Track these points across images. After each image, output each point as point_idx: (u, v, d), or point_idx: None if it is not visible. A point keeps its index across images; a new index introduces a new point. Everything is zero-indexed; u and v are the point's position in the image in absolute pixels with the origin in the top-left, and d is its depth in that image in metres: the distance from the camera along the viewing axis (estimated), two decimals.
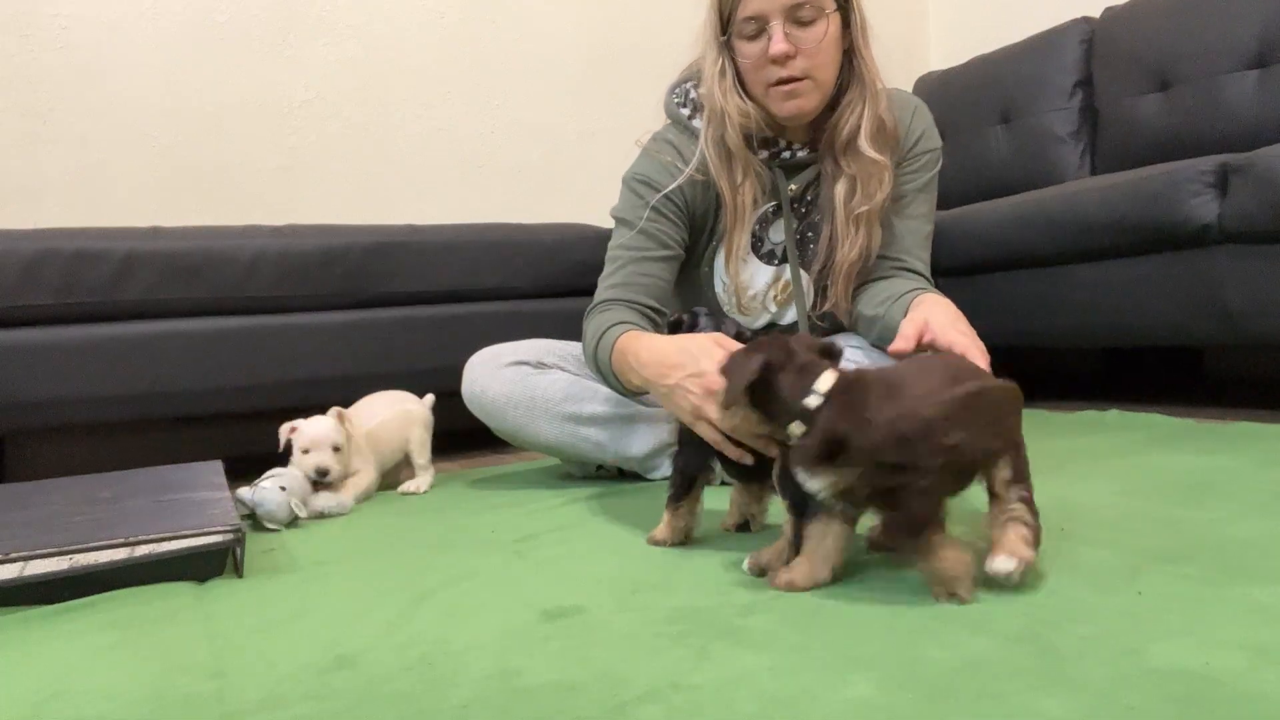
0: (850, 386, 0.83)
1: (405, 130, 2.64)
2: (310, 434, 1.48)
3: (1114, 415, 1.84)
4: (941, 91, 3.01)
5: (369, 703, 0.68)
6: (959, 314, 1.16)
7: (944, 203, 2.52)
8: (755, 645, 0.74)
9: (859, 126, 1.35)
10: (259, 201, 2.44)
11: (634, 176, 1.46)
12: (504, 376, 1.55)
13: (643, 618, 0.83)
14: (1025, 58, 2.69)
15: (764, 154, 1.42)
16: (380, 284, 2.02)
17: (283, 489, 1.37)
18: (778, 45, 1.28)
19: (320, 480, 1.45)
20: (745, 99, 1.37)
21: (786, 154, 1.42)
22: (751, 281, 1.48)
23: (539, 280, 2.15)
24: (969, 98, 2.86)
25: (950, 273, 2.28)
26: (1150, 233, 1.82)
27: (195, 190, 2.39)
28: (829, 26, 1.30)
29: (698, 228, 1.47)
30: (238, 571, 1.09)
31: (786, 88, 1.32)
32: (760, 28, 1.30)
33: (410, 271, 2.05)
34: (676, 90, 1.48)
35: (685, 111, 1.45)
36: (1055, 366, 2.98)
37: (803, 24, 1.29)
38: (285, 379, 1.91)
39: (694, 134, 1.42)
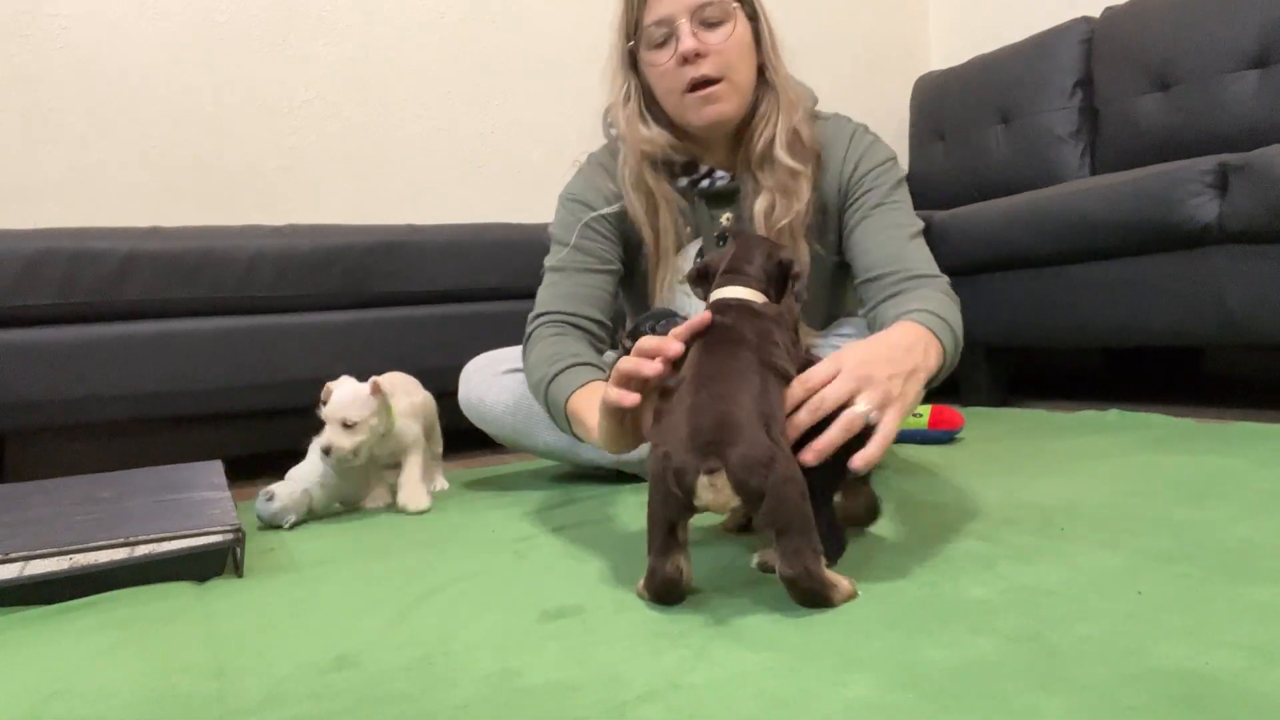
0: None
1: (405, 130, 2.64)
2: (329, 405, 1.35)
3: (1114, 415, 1.84)
4: (941, 91, 3.01)
5: (369, 703, 0.68)
6: (881, 357, 0.96)
7: (944, 203, 2.53)
8: (755, 645, 0.74)
9: (774, 137, 1.33)
10: (259, 201, 2.44)
11: (568, 195, 1.45)
12: (501, 384, 1.55)
13: (643, 618, 0.83)
14: (1025, 58, 2.70)
15: (684, 181, 1.39)
16: (380, 284, 2.02)
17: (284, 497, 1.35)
18: (686, 42, 1.26)
19: (326, 459, 1.35)
20: (649, 124, 1.35)
21: (706, 182, 1.39)
22: (688, 312, 1.43)
23: (539, 280, 2.14)
24: (969, 98, 2.86)
25: (950, 273, 2.25)
26: (1150, 233, 1.82)
27: (195, 190, 2.39)
28: (736, 27, 1.29)
29: (633, 244, 1.44)
30: (238, 571, 1.09)
31: (703, 92, 1.29)
32: (668, 32, 1.29)
33: (410, 271, 2.05)
34: (610, 110, 1.45)
35: (615, 133, 1.43)
36: (1055, 366, 2.98)
37: (710, 25, 1.28)
38: (285, 379, 1.91)
39: None
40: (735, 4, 1.30)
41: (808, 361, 0.95)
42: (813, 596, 0.80)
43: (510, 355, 1.60)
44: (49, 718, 0.70)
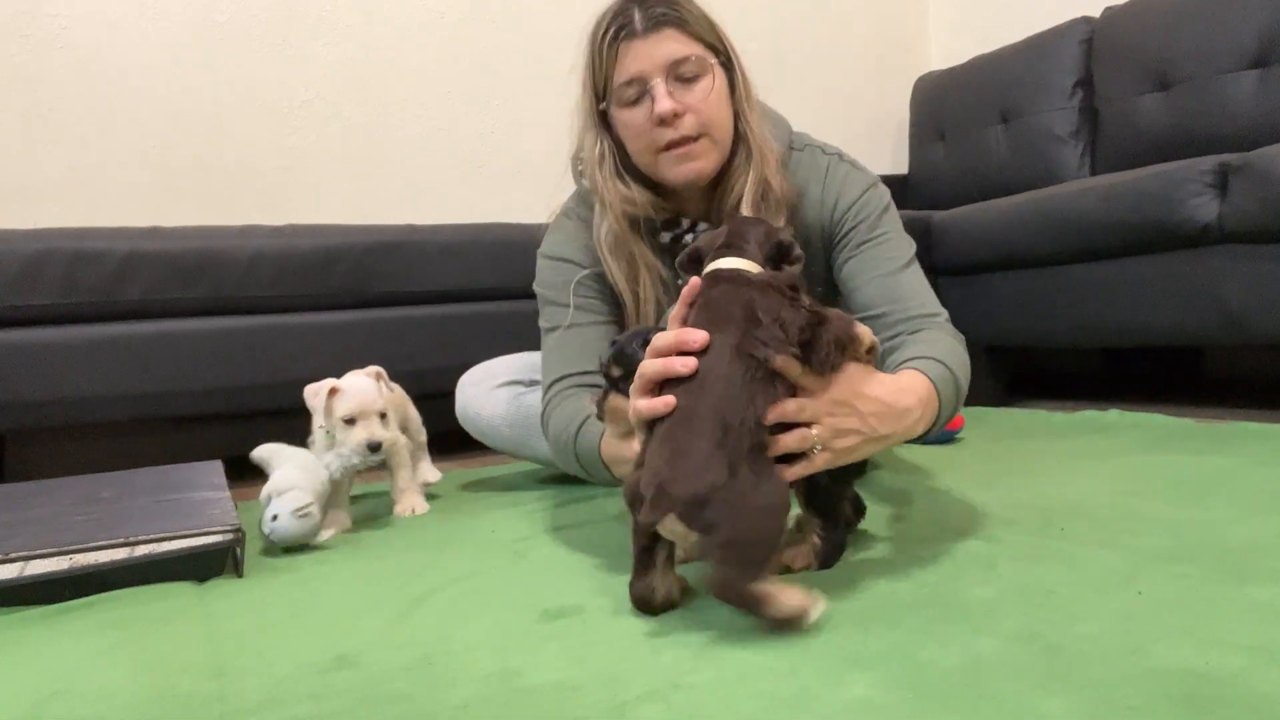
0: None
1: (405, 130, 2.64)
2: (356, 398, 1.30)
3: (1114, 415, 1.84)
4: (941, 91, 3.01)
5: (369, 703, 0.68)
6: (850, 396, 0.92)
7: (944, 203, 2.53)
8: (755, 645, 0.74)
9: (743, 193, 1.26)
10: (259, 201, 2.44)
11: (552, 254, 1.40)
12: (496, 398, 1.55)
13: (642, 618, 0.83)
14: (1025, 58, 2.70)
15: (667, 236, 1.33)
16: (380, 284, 2.02)
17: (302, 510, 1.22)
18: (663, 103, 1.17)
19: (371, 457, 1.31)
20: (629, 183, 1.28)
21: (690, 237, 1.32)
22: None
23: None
24: (969, 98, 2.86)
25: (950, 273, 2.28)
26: (1150, 233, 1.82)
27: (195, 190, 2.39)
28: (715, 81, 1.21)
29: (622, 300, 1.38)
30: (238, 571, 1.09)
31: (679, 150, 1.20)
32: (641, 90, 1.19)
33: (410, 271, 2.05)
34: (580, 158, 1.36)
35: (587, 183, 1.35)
36: (1055, 366, 2.98)
37: (686, 81, 1.18)
38: (285, 379, 1.91)
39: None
40: (712, 59, 1.21)
41: (818, 317, 0.88)
42: (746, 610, 0.78)
43: (504, 367, 1.59)
44: (49, 718, 0.70)
